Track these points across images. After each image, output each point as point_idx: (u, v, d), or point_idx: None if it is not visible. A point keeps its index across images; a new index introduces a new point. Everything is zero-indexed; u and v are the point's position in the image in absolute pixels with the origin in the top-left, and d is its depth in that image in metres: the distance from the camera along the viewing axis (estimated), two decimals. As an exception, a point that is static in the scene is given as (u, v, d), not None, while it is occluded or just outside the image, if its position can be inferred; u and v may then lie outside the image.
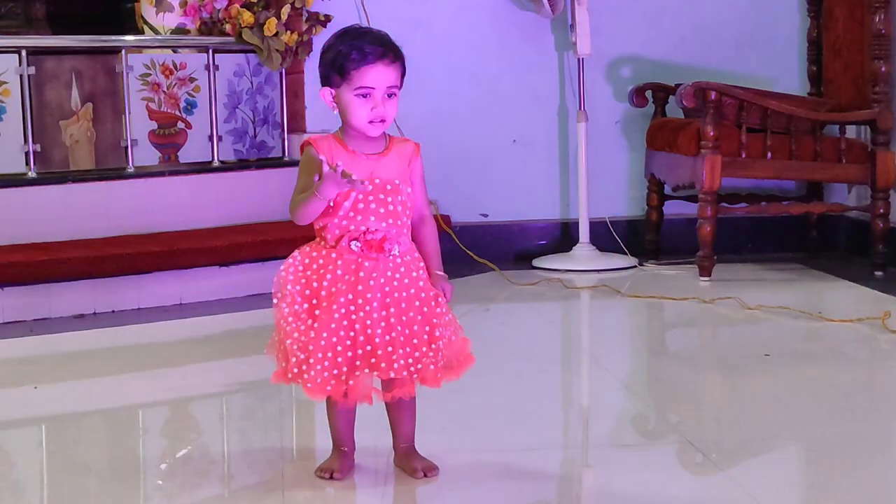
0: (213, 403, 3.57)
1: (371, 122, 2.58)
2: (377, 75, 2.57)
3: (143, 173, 4.99)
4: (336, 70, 2.58)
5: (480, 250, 5.27)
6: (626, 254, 5.40)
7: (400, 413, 2.71)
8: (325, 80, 2.62)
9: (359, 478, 2.71)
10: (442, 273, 2.69)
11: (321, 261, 2.59)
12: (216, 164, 5.18)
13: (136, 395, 3.57)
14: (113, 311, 4.52)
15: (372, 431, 2.82)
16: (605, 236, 5.46)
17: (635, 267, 5.30)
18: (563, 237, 5.56)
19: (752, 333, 4.19)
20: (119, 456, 3.05)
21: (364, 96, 2.57)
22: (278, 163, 5.32)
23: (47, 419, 3.39)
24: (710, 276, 4.95)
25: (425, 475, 2.69)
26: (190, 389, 3.66)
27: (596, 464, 2.96)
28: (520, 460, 2.85)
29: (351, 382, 2.55)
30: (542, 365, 3.86)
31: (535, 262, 5.36)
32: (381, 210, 2.58)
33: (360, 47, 2.56)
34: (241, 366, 3.92)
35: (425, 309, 2.60)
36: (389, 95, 2.58)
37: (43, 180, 4.79)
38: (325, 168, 2.51)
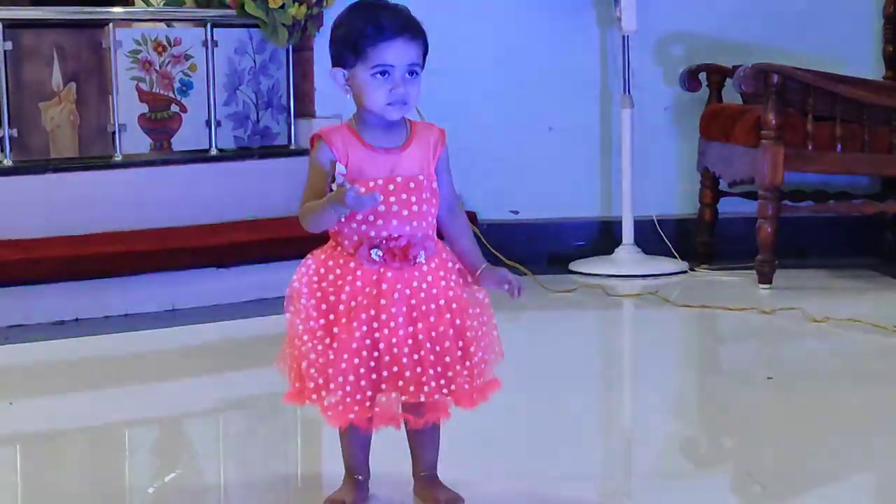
0: (209, 422, 3.58)
1: (390, 104, 2.56)
2: (396, 52, 2.55)
3: (132, 162, 5.01)
4: (350, 47, 2.57)
5: (510, 252, 5.26)
6: (675, 257, 5.39)
7: (422, 437, 2.70)
8: (337, 60, 2.60)
9: (373, 510, 2.72)
10: (489, 265, 2.65)
11: (338, 270, 2.58)
12: (214, 152, 5.20)
13: (122, 412, 3.58)
14: (97, 318, 4.54)
15: (389, 457, 2.81)
16: (652, 237, 5.46)
17: (686, 272, 5.29)
18: (603, 238, 5.56)
19: (817, 349, 4.18)
20: (102, 480, 3.05)
21: (381, 75, 2.56)
22: (284, 151, 5.34)
23: (22, 438, 3.40)
24: (770, 283, 4.93)
25: (448, 507, 2.69)
26: (183, 406, 3.67)
27: (639, 494, 2.95)
28: (554, 490, 2.85)
29: (377, 409, 2.55)
30: (579, 382, 3.86)
31: (573, 266, 5.36)
32: (405, 212, 2.57)
33: (377, 21, 2.55)
34: (240, 380, 3.93)
35: (457, 321, 2.59)
36: (410, 74, 2.57)
37: (20, 169, 4.82)
38: (339, 177, 2.50)
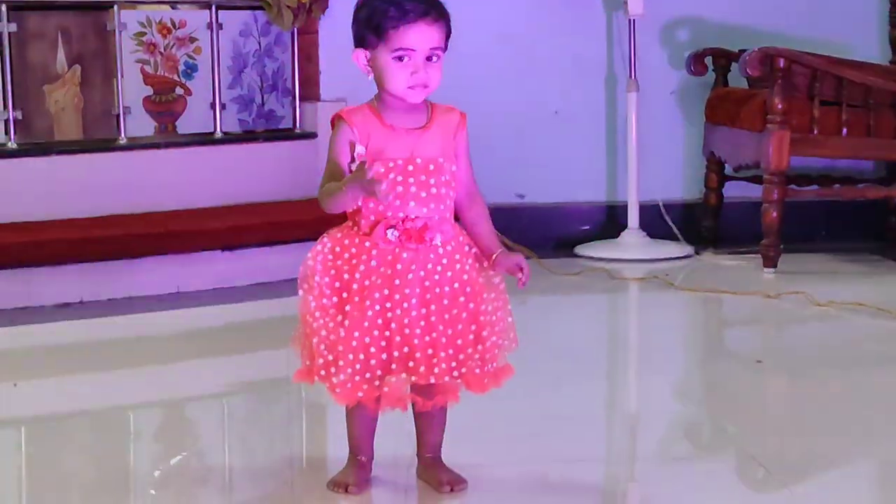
0: (213, 405, 3.58)
1: (411, 87, 2.57)
2: (418, 35, 2.55)
3: (136, 145, 5.01)
4: (371, 29, 2.57)
5: (516, 236, 5.24)
6: (680, 241, 5.39)
7: (429, 419, 2.70)
8: (359, 42, 2.60)
9: (377, 492, 2.72)
10: (504, 250, 2.66)
11: (353, 249, 2.58)
12: (219, 135, 5.19)
13: (126, 395, 3.59)
14: (101, 300, 4.54)
15: (392, 439, 2.82)
16: (657, 221, 5.46)
17: (691, 256, 5.29)
18: (609, 222, 5.56)
19: (822, 333, 4.18)
20: (106, 463, 3.06)
21: (403, 59, 2.56)
22: (288, 134, 5.34)
23: (27, 420, 3.41)
24: (775, 267, 4.94)
25: (452, 489, 2.69)
26: (187, 389, 3.67)
27: (643, 478, 2.95)
28: (558, 473, 2.86)
29: (386, 389, 2.56)
30: (584, 366, 3.86)
31: (578, 250, 5.36)
32: (423, 194, 2.57)
33: (400, 3, 2.54)
34: (244, 363, 3.93)
35: (471, 305, 2.60)
36: (431, 58, 2.57)
37: (24, 152, 4.81)
38: (358, 158, 2.51)
